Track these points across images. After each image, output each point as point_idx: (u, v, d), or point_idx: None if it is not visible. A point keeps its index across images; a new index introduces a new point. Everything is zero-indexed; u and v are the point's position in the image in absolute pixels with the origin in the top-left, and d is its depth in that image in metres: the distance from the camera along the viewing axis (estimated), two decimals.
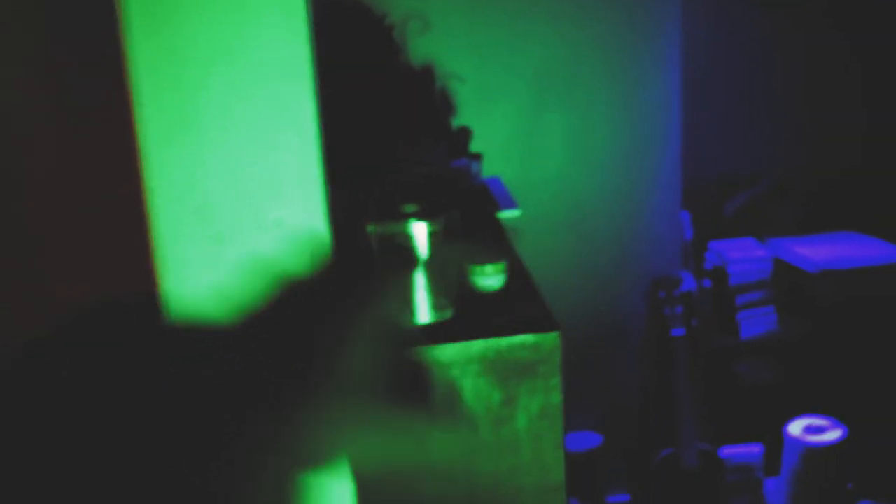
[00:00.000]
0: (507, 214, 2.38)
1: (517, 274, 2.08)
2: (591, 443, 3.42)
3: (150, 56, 1.42)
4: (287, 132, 1.48)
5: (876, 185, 3.67)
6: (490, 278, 1.93)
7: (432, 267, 1.77)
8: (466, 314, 1.87)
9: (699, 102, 3.50)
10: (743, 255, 3.42)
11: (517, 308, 1.91)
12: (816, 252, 3.46)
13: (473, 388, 1.78)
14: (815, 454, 3.04)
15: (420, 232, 1.74)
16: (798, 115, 3.75)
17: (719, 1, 3.63)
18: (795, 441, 3.08)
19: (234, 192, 1.49)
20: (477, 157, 2.63)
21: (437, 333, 1.78)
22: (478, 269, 1.92)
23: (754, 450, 3.47)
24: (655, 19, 3.19)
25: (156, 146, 1.45)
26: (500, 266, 1.93)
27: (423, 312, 1.79)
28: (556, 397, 1.82)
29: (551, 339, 1.79)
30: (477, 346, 1.76)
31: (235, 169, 1.48)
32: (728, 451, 3.44)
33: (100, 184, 2.42)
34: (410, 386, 0.53)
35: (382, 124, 2.25)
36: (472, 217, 2.27)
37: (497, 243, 2.07)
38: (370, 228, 1.76)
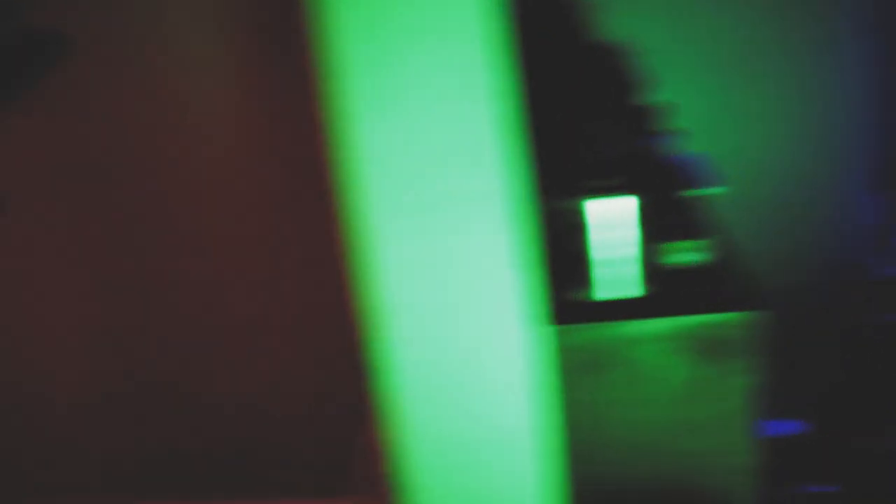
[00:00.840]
0: (707, 191, 2.33)
1: (717, 251, 2.03)
2: (790, 429, 3.30)
3: (354, 27, 1.46)
4: (489, 105, 1.49)
5: None
6: (690, 255, 1.89)
7: (633, 242, 1.75)
8: (665, 290, 1.84)
9: None
10: None
11: (717, 285, 1.87)
12: None
13: (668, 366, 1.75)
14: None
15: (613, 208, 1.73)
16: None
17: None
18: None
19: (437, 164, 1.52)
20: (680, 132, 2.58)
21: (636, 309, 1.76)
22: (678, 245, 1.88)
23: None
24: None
25: (363, 120, 1.50)
26: (701, 243, 1.89)
27: (616, 288, 1.77)
28: (755, 378, 1.77)
29: (752, 318, 1.74)
30: (676, 322, 1.73)
31: (437, 141, 1.51)
32: None
33: (309, 156, 2.51)
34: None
35: (581, 98, 2.24)
36: (671, 193, 2.23)
37: (697, 220, 2.02)
38: (564, 204, 1.76)
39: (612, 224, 1.74)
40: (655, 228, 1.91)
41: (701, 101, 3.07)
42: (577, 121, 2.06)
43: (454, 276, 1.56)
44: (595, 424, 1.79)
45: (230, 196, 2.88)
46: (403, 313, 1.57)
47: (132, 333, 3.09)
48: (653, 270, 1.86)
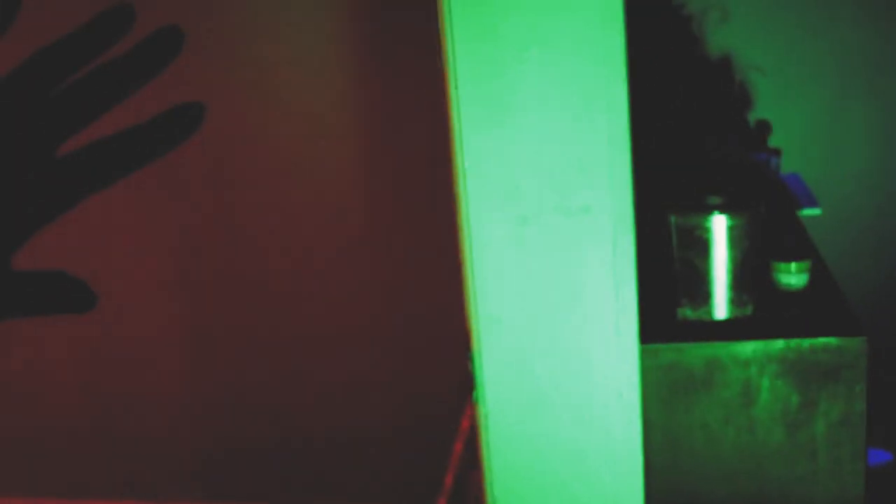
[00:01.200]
0: (808, 212, 2.29)
1: (821, 273, 2.00)
2: (878, 459, 3.23)
3: (467, 36, 1.47)
4: (598, 118, 1.48)
5: None
6: (793, 276, 1.86)
7: (733, 261, 1.73)
8: (768, 312, 1.81)
9: None
10: None
11: (821, 308, 1.84)
12: None
13: (771, 389, 1.72)
14: None
15: (722, 225, 1.71)
16: None
17: None
18: None
19: (542, 175, 1.51)
20: (776, 151, 2.54)
21: (736, 330, 1.74)
22: (782, 266, 1.86)
23: None
24: None
25: (470, 127, 1.50)
26: (805, 264, 1.86)
27: (723, 307, 1.75)
28: (860, 405, 1.73)
29: (857, 343, 1.71)
30: (777, 345, 1.71)
31: (545, 152, 1.50)
32: None
33: (416, 163, 2.52)
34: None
35: (682, 115, 2.22)
36: (772, 213, 2.20)
37: (800, 241, 1.99)
38: (671, 219, 1.74)
39: (723, 240, 1.71)
40: (765, 247, 1.88)
41: (810, 117, 3.02)
42: (692, 136, 2.04)
43: (560, 291, 1.55)
44: (700, 445, 1.77)
45: (337, 200, 2.91)
46: (505, 324, 1.56)
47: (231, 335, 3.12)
48: (763, 290, 1.83)
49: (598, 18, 1.46)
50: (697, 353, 1.71)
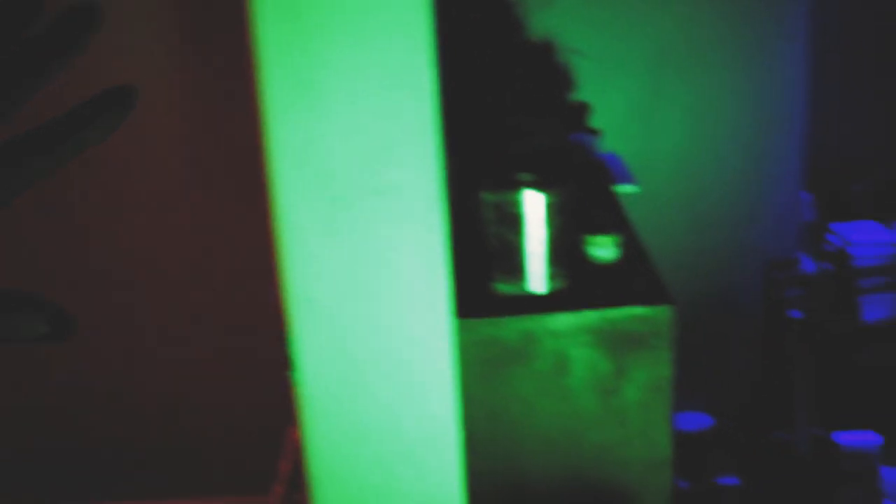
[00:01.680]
0: (623, 189, 2.37)
1: (632, 247, 2.08)
2: (701, 423, 3.38)
3: (274, 18, 1.46)
4: (406, 99, 1.50)
5: None
6: (605, 250, 1.93)
7: (547, 237, 1.78)
8: (580, 285, 1.88)
9: (827, 80, 3.41)
10: (867, 239, 3.33)
11: (630, 280, 1.91)
12: None
13: (584, 359, 1.79)
14: None
15: (534, 201, 1.76)
16: None
17: None
18: None
19: (352, 157, 1.52)
20: (595, 132, 2.62)
21: (550, 303, 1.79)
22: (593, 240, 1.92)
23: (871, 438, 3.38)
24: None
25: (278, 109, 1.49)
26: (616, 238, 1.93)
27: (537, 281, 1.80)
28: (667, 370, 1.82)
29: (664, 311, 1.79)
30: (589, 316, 1.77)
31: (353, 133, 1.51)
32: (844, 438, 3.36)
33: (223, 144, 2.49)
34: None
35: (502, 96, 2.26)
36: (588, 191, 2.27)
37: (613, 217, 2.06)
38: (484, 196, 1.78)
39: (538, 217, 1.76)
40: (578, 223, 1.94)
41: (627, 98, 3.12)
42: (507, 116, 2.08)
43: (373, 269, 1.56)
44: (518, 416, 1.82)
45: (156, 188, 2.85)
46: (320, 305, 1.57)
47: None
48: (575, 264, 1.89)
49: (405, 4, 1.48)
50: (513, 326, 1.76)
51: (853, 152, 3.54)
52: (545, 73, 2.51)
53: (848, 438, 3.36)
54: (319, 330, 1.59)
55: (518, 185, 1.77)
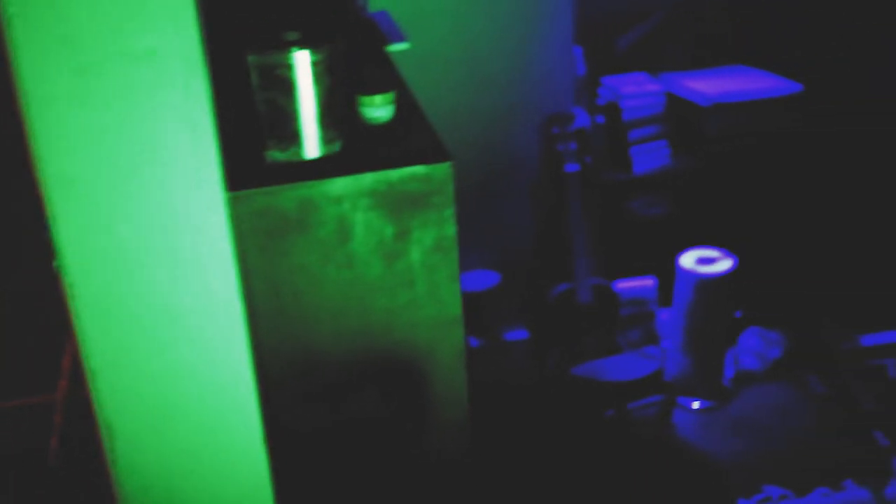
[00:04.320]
0: (395, 47, 2.30)
1: (406, 106, 2.02)
2: (487, 281, 3.44)
3: None
4: None
5: (767, 18, 3.66)
6: (379, 109, 1.86)
7: (317, 98, 1.69)
8: (355, 147, 1.81)
9: None
10: (636, 90, 3.41)
11: (408, 139, 1.87)
12: (708, 86, 3.46)
13: (365, 223, 1.74)
14: (706, 284, 3.11)
15: (303, 62, 1.66)
16: None
17: None
18: (687, 273, 3.14)
19: (99, 19, 1.38)
20: None
21: (326, 168, 1.72)
22: (366, 99, 1.85)
23: (647, 283, 3.54)
24: None
25: None
26: (389, 96, 1.87)
27: (312, 146, 1.73)
28: (450, 229, 1.79)
29: (443, 169, 1.75)
30: (367, 178, 1.71)
31: None
32: (622, 285, 3.50)
33: None
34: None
35: None
36: (358, 49, 2.19)
37: (385, 75, 2.00)
38: (249, 59, 1.67)
39: (307, 77, 1.67)
40: (350, 83, 1.86)
41: None
42: None
43: (134, 144, 1.44)
44: (302, 287, 1.76)
45: None
46: (79, 185, 1.44)
47: None
48: (350, 126, 1.82)
49: None
50: (289, 194, 1.68)
51: (621, 5, 3.59)
52: None
53: (626, 285, 3.50)
54: (80, 212, 1.46)
55: (284, 46, 1.67)
